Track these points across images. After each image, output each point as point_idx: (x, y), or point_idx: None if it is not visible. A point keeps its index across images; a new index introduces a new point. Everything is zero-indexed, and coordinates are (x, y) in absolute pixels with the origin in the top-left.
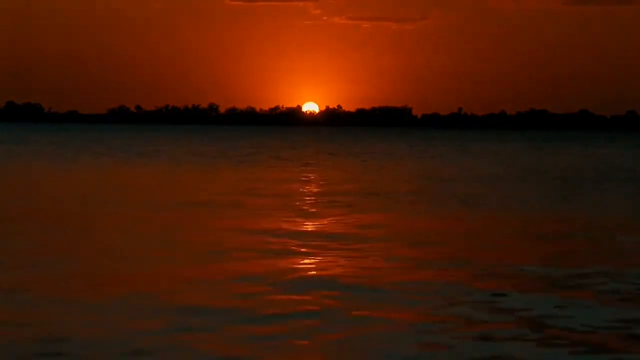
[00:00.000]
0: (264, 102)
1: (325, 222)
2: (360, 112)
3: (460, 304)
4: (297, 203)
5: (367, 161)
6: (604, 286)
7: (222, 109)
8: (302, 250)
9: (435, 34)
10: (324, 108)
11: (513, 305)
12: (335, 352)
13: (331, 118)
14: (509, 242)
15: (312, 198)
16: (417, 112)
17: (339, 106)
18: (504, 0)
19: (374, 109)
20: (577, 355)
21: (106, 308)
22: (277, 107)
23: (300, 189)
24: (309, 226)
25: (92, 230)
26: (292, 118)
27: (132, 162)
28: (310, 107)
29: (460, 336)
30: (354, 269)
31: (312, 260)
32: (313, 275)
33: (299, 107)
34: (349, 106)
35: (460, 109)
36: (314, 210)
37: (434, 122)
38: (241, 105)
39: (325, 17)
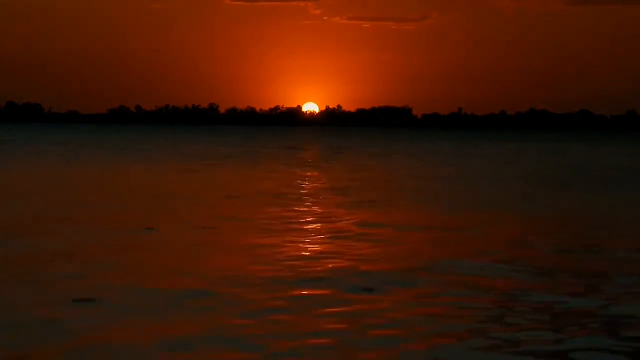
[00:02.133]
0: (264, 102)
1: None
2: (360, 112)
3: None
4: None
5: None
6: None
7: (222, 109)
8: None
9: (435, 34)
10: (324, 108)
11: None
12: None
13: (331, 118)
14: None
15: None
16: (417, 112)
17: (339, 106)
18: (505, 0)
19: (374, 109)
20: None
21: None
22: (277, 107)
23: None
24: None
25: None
26: (292, 118)
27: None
28: (310, 107)
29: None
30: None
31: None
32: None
33: (299, 107)
34: (349, 106)
35: (460, 109)
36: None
37: (434, 122)
38: (241, 105)
39: (325, 17)
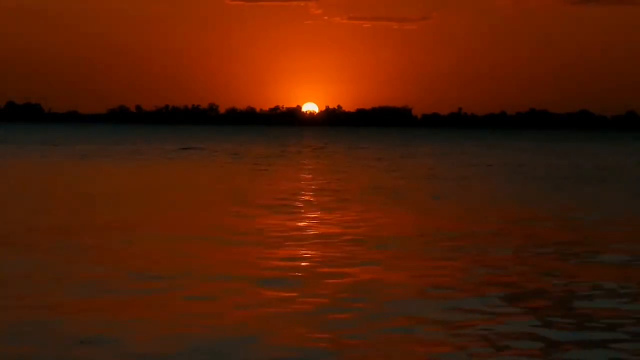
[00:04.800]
0: (264, 102)
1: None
2: (360, 112)
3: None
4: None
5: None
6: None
7: (222, 109)
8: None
9: (435, 33)
10: (324, 108)
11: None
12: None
13: (331, 118)
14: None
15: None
16: (417, 112)
17: (339, 106)
18: (505, 0)
19: (374, 109)
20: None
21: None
22: (277, 107)
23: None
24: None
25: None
26: (292, 118)
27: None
28: (310, 107)
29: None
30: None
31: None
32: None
33: (299, 107)
34: (349, 106)
35: (460, 109)
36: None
37: (434, 122)
38: (241, 106)
39: (326, 17)
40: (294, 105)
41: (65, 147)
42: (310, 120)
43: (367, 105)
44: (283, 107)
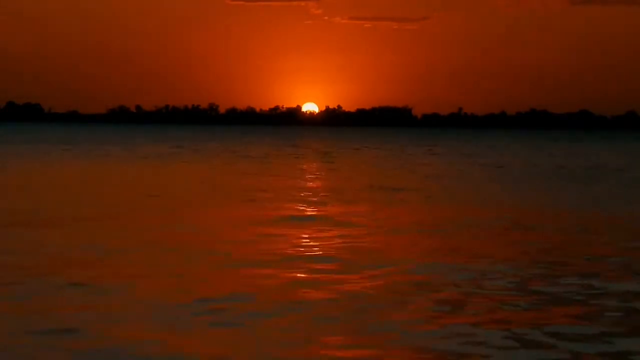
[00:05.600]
0: (264, 102)
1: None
2: (360, 112)
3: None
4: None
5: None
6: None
7: (222, 109)
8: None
9: (436, 33)
10: (324, 108)
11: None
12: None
13: (331, 118)
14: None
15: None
16: (417, 112)
17: (339, 106)
18: (505, 0)
19: (374, 109)
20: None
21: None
22: (277, 107)
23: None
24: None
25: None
26: (292, 118)
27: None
28: (310, 107)
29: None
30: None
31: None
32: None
33: (299, 107)
34: (349, 106)
35: (460, 109)
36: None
37: (434, 122)
38: (241, 106)
39: (326, 17)
40: (294, 105)
41: (122, 147)
42: (310, 120)
43: (367, 105)
44: (283, 107)
